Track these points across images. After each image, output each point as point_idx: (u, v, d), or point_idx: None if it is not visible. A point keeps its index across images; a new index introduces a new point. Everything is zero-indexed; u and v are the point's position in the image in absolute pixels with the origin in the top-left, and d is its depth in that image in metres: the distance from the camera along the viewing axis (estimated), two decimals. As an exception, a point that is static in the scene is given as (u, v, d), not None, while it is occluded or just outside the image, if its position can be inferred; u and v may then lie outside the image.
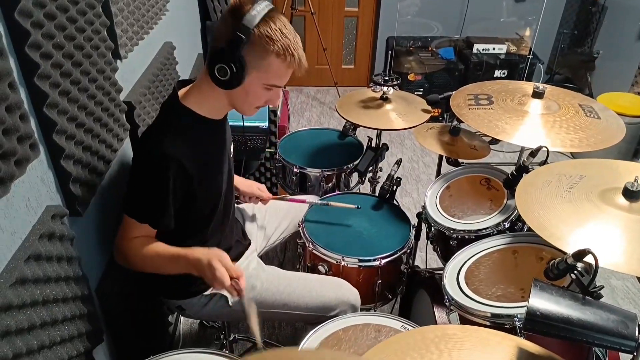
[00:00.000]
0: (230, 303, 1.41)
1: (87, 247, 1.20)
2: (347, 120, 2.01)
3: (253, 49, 1.10)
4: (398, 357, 0.93)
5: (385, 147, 2.00)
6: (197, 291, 1.40)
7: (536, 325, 0.85)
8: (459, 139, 1.93)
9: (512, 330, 1.18)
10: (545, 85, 1.70)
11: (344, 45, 4.42)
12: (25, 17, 0.87)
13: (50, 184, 1.02)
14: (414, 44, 4.24)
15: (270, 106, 1.78)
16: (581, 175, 1.20)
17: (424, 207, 1.78)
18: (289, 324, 2.16)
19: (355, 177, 2.07)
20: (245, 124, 2.19)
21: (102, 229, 1.28)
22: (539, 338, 0.95)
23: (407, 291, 1.79)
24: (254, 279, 1.45)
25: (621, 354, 1.04)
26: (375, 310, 1.63)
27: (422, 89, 3.93)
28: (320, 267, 1.58)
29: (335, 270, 1.57)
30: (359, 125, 2.03)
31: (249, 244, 1.60)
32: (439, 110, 3.53)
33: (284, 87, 1.55)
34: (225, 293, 1.40)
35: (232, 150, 1.45)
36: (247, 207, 1.75)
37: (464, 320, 1.28)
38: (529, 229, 1.50)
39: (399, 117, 1.93)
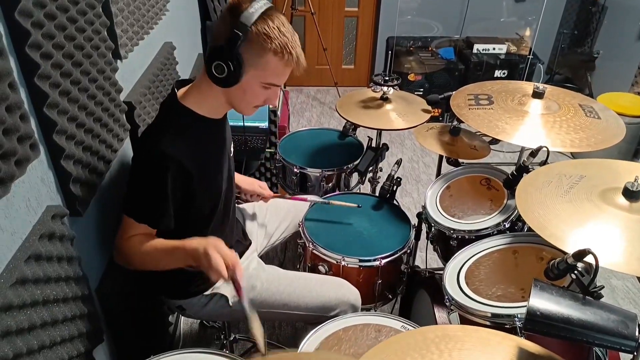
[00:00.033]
0: (230, 303, 1.41)
1: (87, 247, 1.20)
2: (347, 120, 2.01)
3: (250, 46, 1.10)
4: (398, 357, 0.93)
5: (386, 147, 2.00)
6: (197, 291, 1.40)
7: (536, 325, 0.85)
8: (459, 139, 1.93)
9: (512, 330, 1.18)
10: (546, 85, 1.70)
11: (344, 45, 4.41)
12: (26, 17, 0.87)
13: (51, 184, 1.02)
14: (414, 44, 4.24)
15: (270, 106, 1.78)
16: (581, 175, 1.20)
17: (424, 207, 1.78)
18: (289, 324, 2.16)
19: (355, 177, 2.07)
20: (246, 124, 2.19)
21: (102, 229, 1.28)
22: (539, 338, 0.95)
23: (407, 291, 1.78)
24: (254, 279, 1.45)
25: (621, 354, 1.04)
26: (375, 310, 1.63)
27: (422, 89, 3.93)
28: (320, 267, 1.58)
29: (335, 270, 1.57)
30: (359, 125, 2.03)
31: (250, 244, 1.60)
32: (439, 110, 3.54)
33: (284, 87, 1.55)
34: (223, 291, 1.40)
35: (232, 149, 1.45)
36: (248, 207, 1.74)
37: (464, 320, 1.28)
38: (529, 229, 1.50)
39: (399, 117, 1.93)
